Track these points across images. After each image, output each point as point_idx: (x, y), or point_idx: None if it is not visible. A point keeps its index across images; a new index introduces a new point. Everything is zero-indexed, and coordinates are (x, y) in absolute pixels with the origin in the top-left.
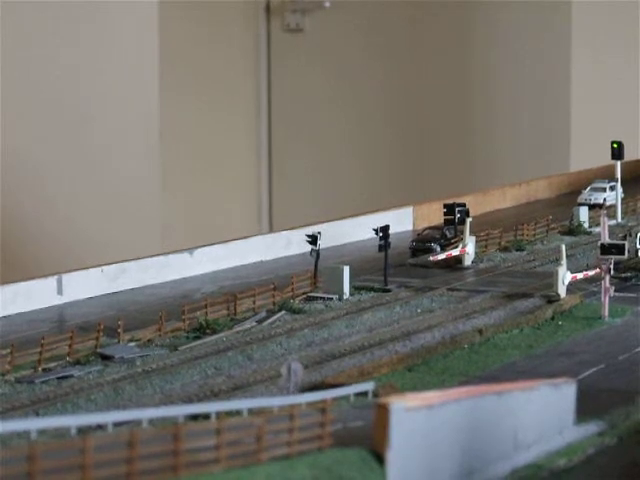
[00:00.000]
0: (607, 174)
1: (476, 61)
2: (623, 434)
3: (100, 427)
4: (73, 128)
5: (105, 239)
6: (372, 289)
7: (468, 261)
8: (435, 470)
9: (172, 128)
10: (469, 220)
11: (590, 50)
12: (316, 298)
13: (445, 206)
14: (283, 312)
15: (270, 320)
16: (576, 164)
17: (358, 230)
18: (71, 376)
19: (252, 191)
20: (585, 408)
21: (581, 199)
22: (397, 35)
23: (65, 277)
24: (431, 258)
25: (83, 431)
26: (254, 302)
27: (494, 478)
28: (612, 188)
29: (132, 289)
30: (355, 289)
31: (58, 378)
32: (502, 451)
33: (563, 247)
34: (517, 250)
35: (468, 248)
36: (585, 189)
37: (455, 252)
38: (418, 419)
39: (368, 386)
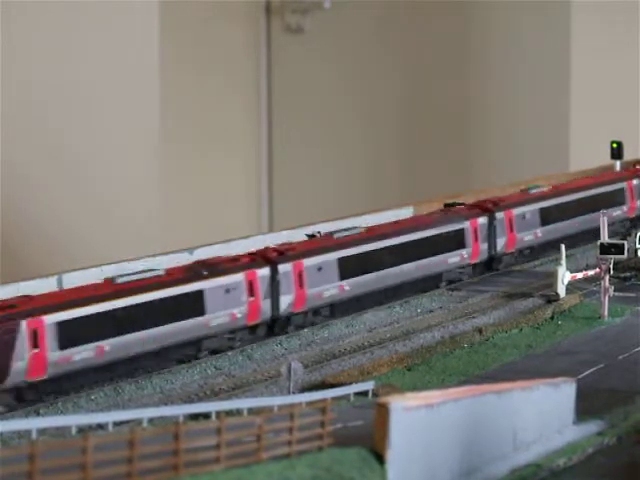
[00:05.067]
0: None
1: (476, 61)
2: (623, 433)
3: (100, 426)
4: (73, 128)
5: (105, 239)
6: None
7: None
8: (435, 469)
9: (172, 128)
10: None
11: (590, 50)
12: None
13: (445, 205)
14: None
15: None
16: (575, 163)
17: None
18: None
19: (252, 191)
20: (585, 407)
21: None
22: (398, 35)
23: (65, 277)
24: None
25: (83, 430)
26: None
27: (494, 477)
28: None
29: None
30: None
31: None
32: (502, 450)
33: (563, 247)
34: None
35: None
36: None
37: None
38: (418, 418)
39: (368, 385)
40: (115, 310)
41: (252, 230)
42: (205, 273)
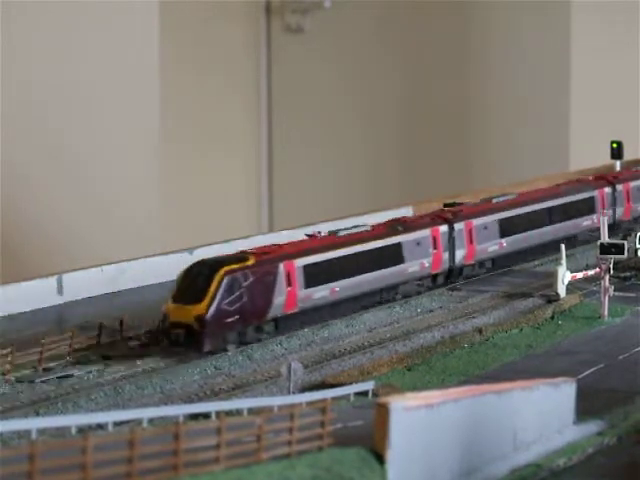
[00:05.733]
0: None
1: (476, 61)
2: (622, 433)
3: (100, 426)
4: (73, 128)
5: (105, 239)
6: None
7: None
8: (435, 469)
9: (172, 128)
10: None
11: (590, 50)
12: None
13: (445, 205)
14: None
15: None
16: (575, 163)
17: None
18: (71, 376)
19: (252, 191)
20: (585, 408)
21: None
22: (398, 35)
23: (65, 277)
24: None
25: (83, 430)
26: None
27: (494, 477)
28: None
29: (132, 289)
30: None
31: (58, 378)
32: (502, 450)
33: (563, 247)
34: None
35: None
36: None
37: None
38: (418, 418)
39: (368, 385)
40: (342, 257)
41: (252, 230)
42: (401, 229)
